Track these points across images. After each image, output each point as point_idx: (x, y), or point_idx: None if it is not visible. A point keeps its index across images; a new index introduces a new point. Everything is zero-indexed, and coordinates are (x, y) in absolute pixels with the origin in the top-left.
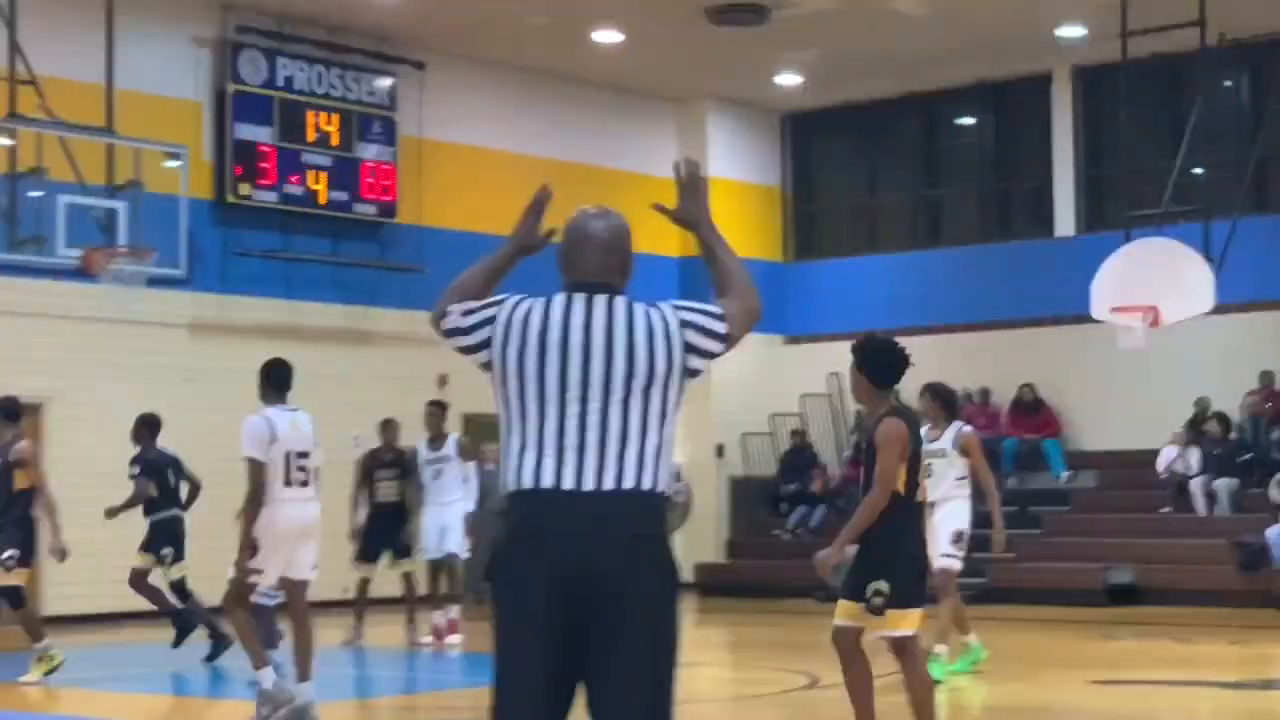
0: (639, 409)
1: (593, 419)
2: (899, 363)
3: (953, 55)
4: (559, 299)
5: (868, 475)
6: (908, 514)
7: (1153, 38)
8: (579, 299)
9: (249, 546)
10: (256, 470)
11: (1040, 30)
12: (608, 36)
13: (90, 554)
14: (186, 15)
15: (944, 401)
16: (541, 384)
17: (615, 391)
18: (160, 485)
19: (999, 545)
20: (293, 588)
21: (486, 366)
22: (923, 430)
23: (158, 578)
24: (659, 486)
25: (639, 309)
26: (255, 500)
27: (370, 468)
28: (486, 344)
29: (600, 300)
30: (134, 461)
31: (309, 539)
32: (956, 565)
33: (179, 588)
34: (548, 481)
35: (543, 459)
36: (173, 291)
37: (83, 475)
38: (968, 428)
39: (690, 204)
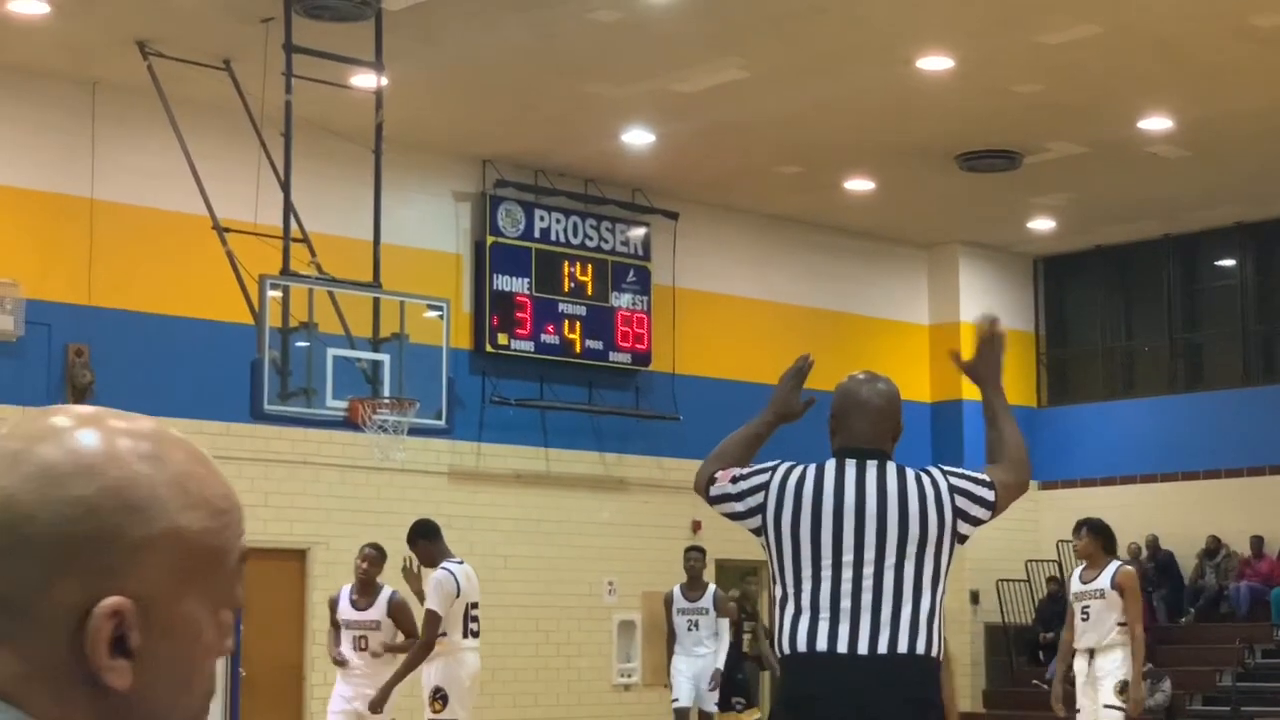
0: (912, 572)
1: (867, 582)
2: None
3: (1210, 196)
4: (830, 465)
5: None
6: None
7: None
8: (850, 464)
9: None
10: (434, 623)
11: None
12: (859, 185)
13: None
14: (448, 171)
15: (1103, 538)
16: (816, 548)
17: (889, 555)
18: None
19: (1136, 704)
20: None
21: (758, 532)
22: (1078, 570)
23: None
24: (932, 650)
25: (910, 473)
26: (426, 650)
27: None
28: (759, 509)
29: (872, 465)
30: None
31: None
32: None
33: None
34: (822, 645)
35: (817, 622)
36: (433, 440)
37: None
38: (1128, 565)
39: (984, 360)
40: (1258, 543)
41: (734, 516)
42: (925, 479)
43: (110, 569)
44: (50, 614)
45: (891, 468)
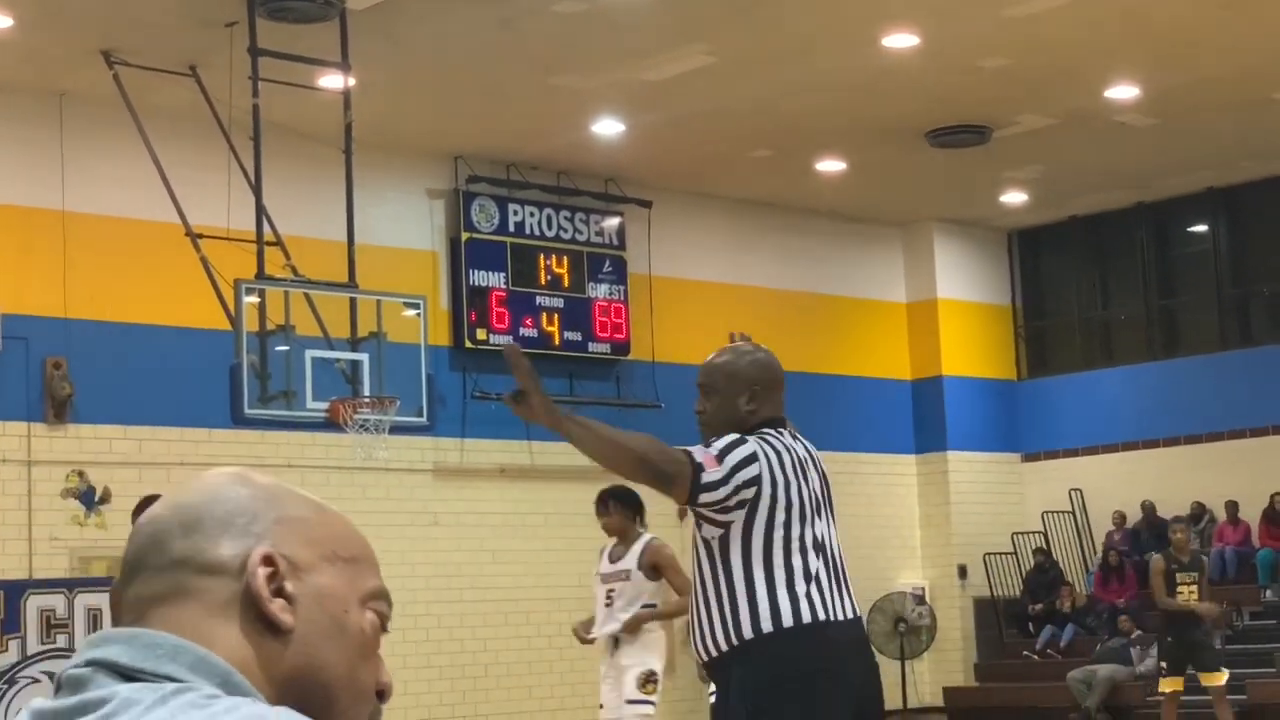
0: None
1: (836, 550)
2: None
3: (1181, 163)
4: (786, 436)
5: None
6: None
7: None
8: (788, 435)
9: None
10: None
11: (1271, 133)
12: (831, 166)
13: None
14: (420, 169)
15: (632, 509)
16: (809, 520)
17: (834, 522)
18: None
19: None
20: None
21: (741, 505)
22: (607, 548)
23: None
24: None
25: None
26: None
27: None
28: (754, 482)
29: (796, 435)
30: None
31: None
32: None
33: None
34: (836, 613)
35: (825, 591)
36: (415, 437)
37: None
38: (656, 540)
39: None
40: (1233, 507)
41: (717, 501)
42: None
43: (258, 534)
44: (220, 567)
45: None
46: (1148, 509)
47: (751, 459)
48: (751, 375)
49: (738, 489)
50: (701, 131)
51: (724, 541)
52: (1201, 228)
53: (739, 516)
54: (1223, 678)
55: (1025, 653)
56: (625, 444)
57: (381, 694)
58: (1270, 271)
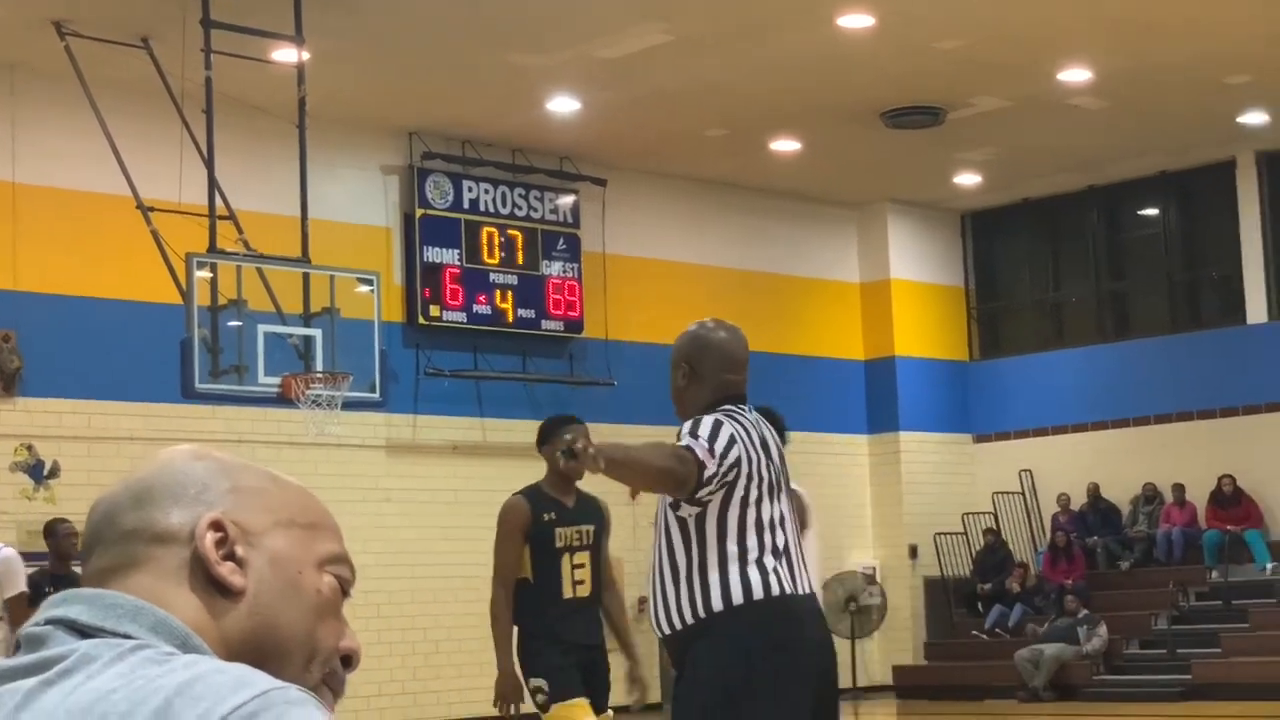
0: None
1: (792, 528)
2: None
3: (1132, 147)
4: (750, 414)
5: None
6: None
7: None
8: (751, 412)
9: None
10: None
11: (1221, 118)
12: (786, 146)
13: None
14: (374, 144)
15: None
16: (774, 498)
17: (789, 501)
18: None
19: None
20: None
21: (723, 486)
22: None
23: None
24: None
25: None
26: None
27: None
28: (735, 466)
29: (754, 412)
30: None
31: None
32: None
33: None
34: (792, 589)
35: (789, 565)
36: (368, 413)
37: None
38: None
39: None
40: (1180, 490)
41: (710, 491)
42: None
43: (209, 503)
44: (171, 535)
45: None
46: (1093, 491)
47: (731, 441)
48: (721, 352)
49: (724, 474)
50: (657, 110)
51: (700, 519)
52: (1152, 211)
53: (719, 496)
54: None
55: (974, 632)
56: (654, 464)
57: (348, 659)
58: (1219, 255)
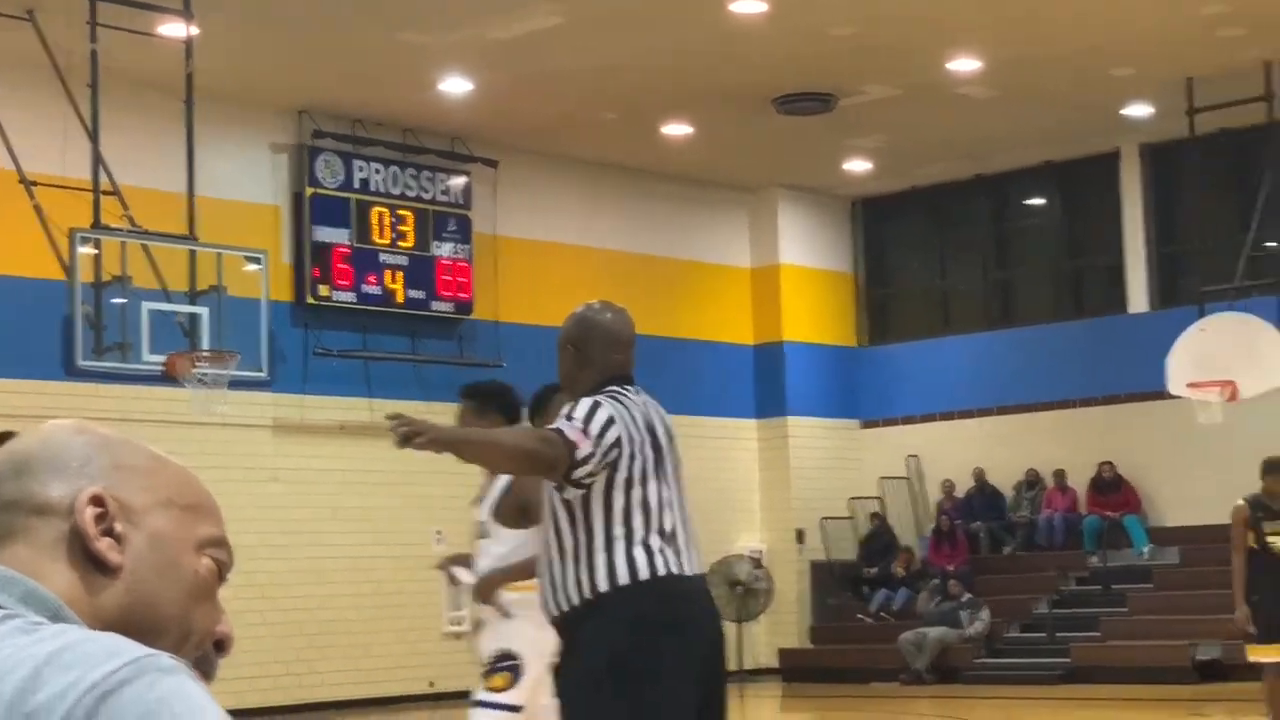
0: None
1: (681, 509)
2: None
3: (1020, 137)
4: (634, 395)
5: None
6: None
7: (1219, 113)
8: (638, 393)
9: None
10: None
11: (1106, 110)
12: (678, 130)
13: None
14: (264, 122)
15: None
16: (661, 479)
17: (681, 481)
18: None
19: None
20: None
21: (605, 467)
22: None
23: None
24: None
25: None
26: None
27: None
28: (615, 444)
29: (644, 393)
30: None
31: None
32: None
33: None
34: (678, 569)
35: (676, 546)
36: (255, 393)
37: None
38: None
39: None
40: (1061, 475)
41: (589, 473)
42: None
43: (91, 476)
44: (49, 508)
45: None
46: (979, 476)
47: (610, 422)
48: (607, 333)
49: (604, 454)
50: (549, 92)
51: (585, 501)
52: (1039, 201)
53: (602, 478)
54: None
55: (859, 615)
56: (506, 443)
57: (221, 645)
58: (1103, 245)
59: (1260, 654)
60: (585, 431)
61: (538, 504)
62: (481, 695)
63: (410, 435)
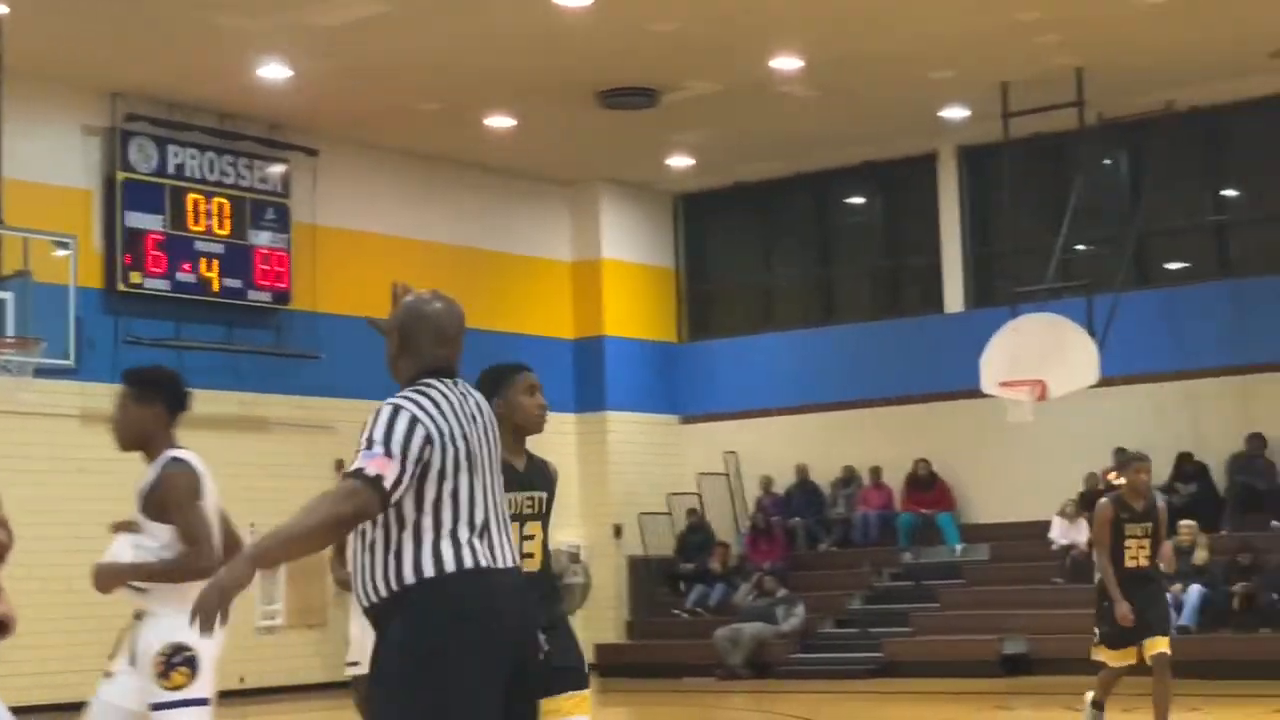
0: (502, 489)
1: (497, 500)
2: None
3: (841, 136)
4: (446, 387)
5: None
6: None
7: (1034, 118)
8: (455, 385)
9: None
10: None
11: (924, 111)
12: (500, 122)
13: None
14: (76, 103)
15: None
16: (474, 469)
17: (498, 474)
18: None
19: None
20: None
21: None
22: None
23: None
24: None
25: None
26: None
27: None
28: (425, 442)
29: (462, 385)
30: None
31: None
32: None
33: None
34: (488, 560)
35: (489, 538)
36: (62, 381)
37: None
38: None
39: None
40: (876, 472)
41: (406, 484)
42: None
43: None
44: None
45: (468, 386)
46: (797, 472)
47: (413, 423)
48: (433, 324)
49: (416, 460)
50: (371, 81)
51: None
52: (859, 200)
53: (417, 472)
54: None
55: (675, 611)
56: (313, 525)
57: (3, 626)
58: (920, 245)
59: (1110, 657)
60: (389, 453)
61: (175, 505)
62: (161, 697)
63: (210, 614)
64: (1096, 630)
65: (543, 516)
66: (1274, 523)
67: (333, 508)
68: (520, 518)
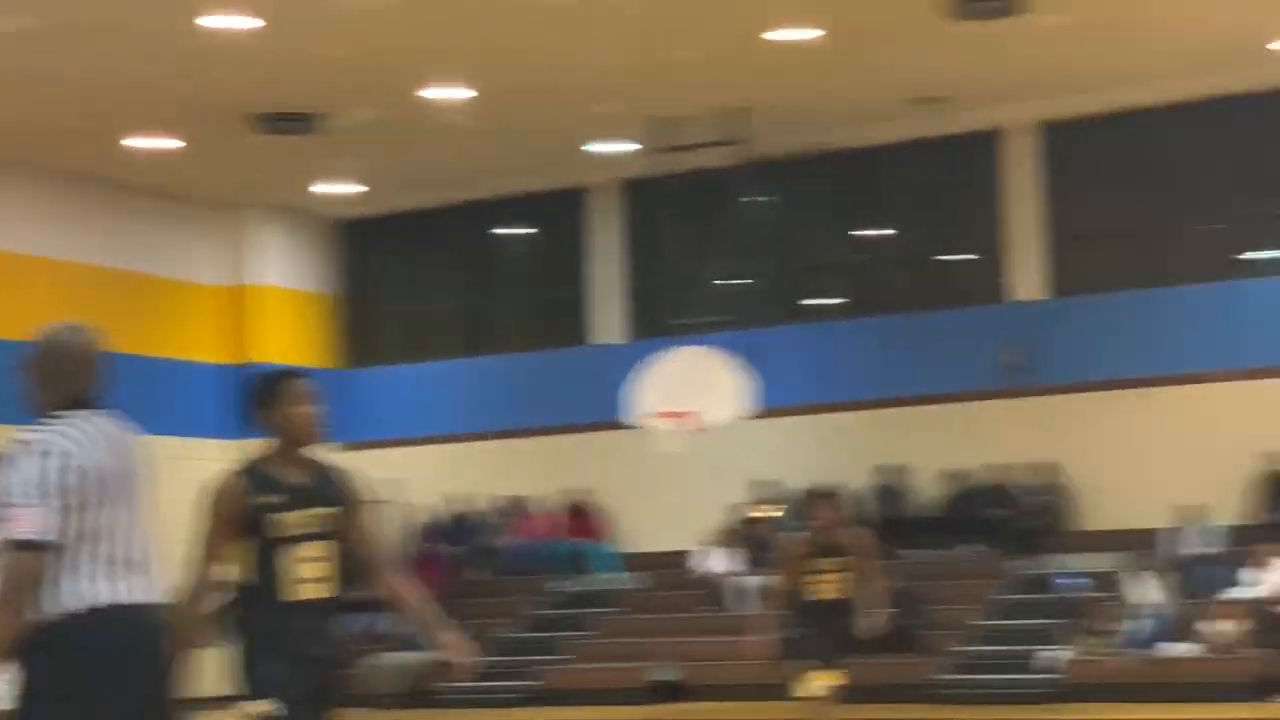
0: (148, 522)
1: (137, 533)
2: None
3: (500, 167)
4: (82, 417)
5: None
6: None
7: (692, 154)
8: (99, 418)
9: None
10: None
11: (583, 145)
12: (152, 143)
13: None
14: None
15: None
16: (112, 502)
17: (141, 507)
18: None
19: None
20: None
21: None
22: None
23: None
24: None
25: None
26: None
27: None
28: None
29: (106, 417)
30: None
31: None
32: None
33: None
34: (125, 597)
35: (119, 573)
36: None
37: None
38: None
39: None
40: (534, 503)
41: (64, 523)
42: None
43: None
44: None
45: (113, 416)
46: (457, 501)
47: (48, 462)
48: (67, 357)
49: (64, 497)
50: (19, 98)
51: None
52: (518, 230)
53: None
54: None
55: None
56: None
57: None
58: (578, 276)
59: (802, 689)
60: (43, 503)
61: None
62: None
63: None
64: (785, 665)
65: (336, 535)
66: (900, 552)
67: (8, 590)
68: (300, 539)
